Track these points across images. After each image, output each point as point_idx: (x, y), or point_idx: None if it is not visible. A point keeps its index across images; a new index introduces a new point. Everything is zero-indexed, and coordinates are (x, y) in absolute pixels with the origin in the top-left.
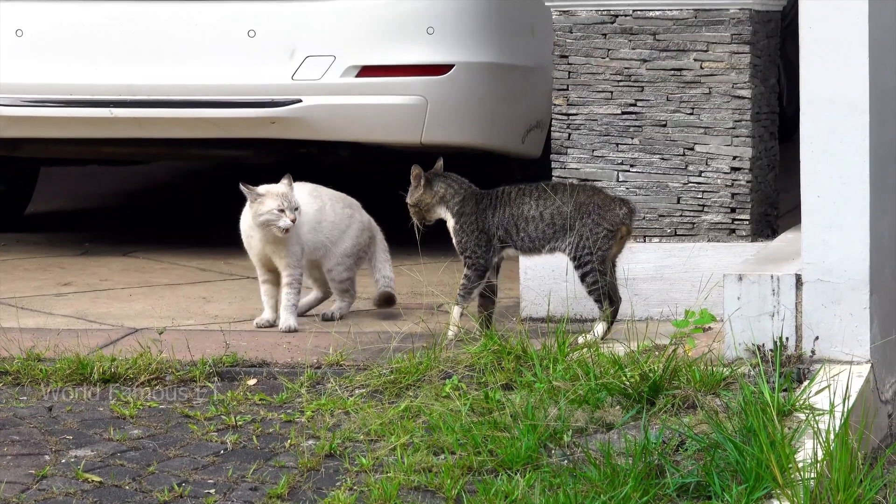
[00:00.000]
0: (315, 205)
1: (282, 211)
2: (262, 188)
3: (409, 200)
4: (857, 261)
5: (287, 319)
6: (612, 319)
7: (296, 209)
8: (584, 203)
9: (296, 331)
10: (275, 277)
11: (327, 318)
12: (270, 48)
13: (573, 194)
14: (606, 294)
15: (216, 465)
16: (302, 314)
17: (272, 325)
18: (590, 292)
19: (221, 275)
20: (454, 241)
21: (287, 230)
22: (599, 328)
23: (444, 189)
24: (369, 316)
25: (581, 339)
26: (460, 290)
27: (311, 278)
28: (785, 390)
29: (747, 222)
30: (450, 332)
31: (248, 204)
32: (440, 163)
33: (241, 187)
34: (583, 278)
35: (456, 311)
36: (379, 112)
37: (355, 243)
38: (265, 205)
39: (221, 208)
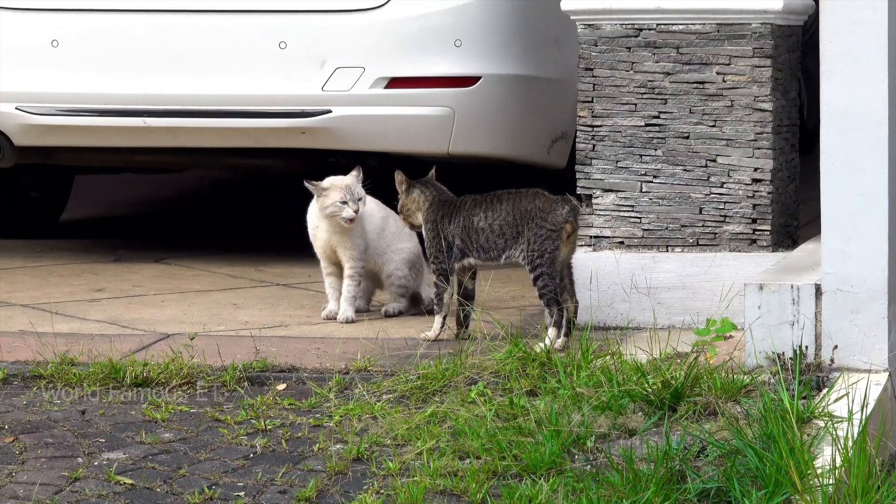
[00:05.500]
0: (381, 213)
1: (344, 203)
2: (326, 182)
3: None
4: (875, 271)
5: (346, 311)
6: (564, 321)
7: (359, 200)
8: (527, 209)
9: (353, 321)
10: (338, 270)
11: (389, 314)
12: (301, 60)
13: (518, 202)
14: (555, 298)
15: (246, 468)
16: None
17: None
18: (540, 296)
19: (252, 282)
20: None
21: (352, 220)
22: (552, 333)
23: (419, 196)
24: (396, 322)
25: (538, 348)
26: (434, 296)
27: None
28: (804, 398)
29: (768, 233)
30: (427, 334)
31: (314, 198)
32: (432, 171)
33: (306, 184)
34: (534, 281)
35: (437, 318)
36: (407, 123)
37: (415, 251)
38: (329, 197)
39: (252, 216)
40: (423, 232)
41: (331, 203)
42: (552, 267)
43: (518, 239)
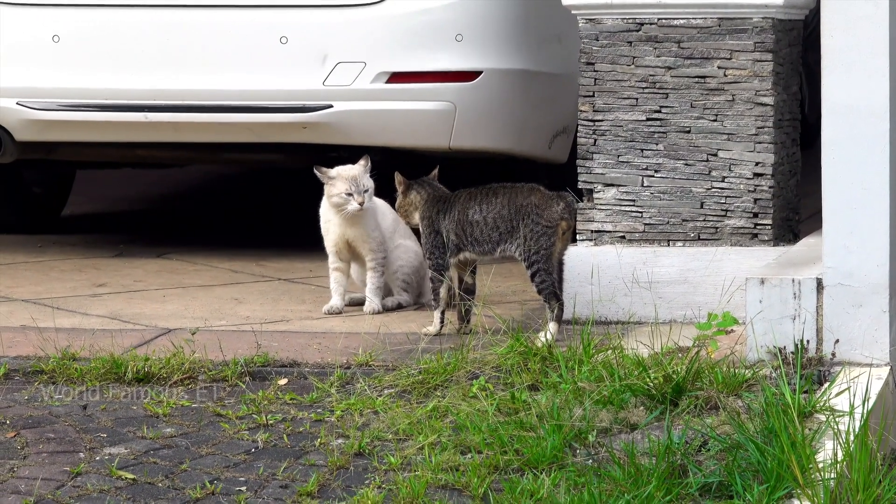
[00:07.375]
0: (393, 214)
1: (350, 195)
2: (334, 171)
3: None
4: (876, 265)
5: (372, 302)
6: (560, 318)
7: (365, 191)
8: (522, 204)
9: (380, 312)
10: (346, 266)
11: (388, 308)
12: (302, 54)
13: (514, 197)
14: (554, 293)
15: (247, 462)
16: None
17: (340, 312)
18: (539, 291)
19: (253, 276)
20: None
21: (356, 213)
22: (552, 327)
23: (415, 195)
24: (398, 317)
25: (539, 342)
26: (431, 291)
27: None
28: (806, 392)
29: (769, 227)
30: (428, 329)
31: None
32: (435, 171)
33: (315, 170)
34: (532, 278)
35: (436, 314)
36: (408, 117)
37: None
38: (335, 187)
39: (253, 211)
40: (420, 229)
41: (336, 193)
42: (549, 262)
43: (513, 234)
